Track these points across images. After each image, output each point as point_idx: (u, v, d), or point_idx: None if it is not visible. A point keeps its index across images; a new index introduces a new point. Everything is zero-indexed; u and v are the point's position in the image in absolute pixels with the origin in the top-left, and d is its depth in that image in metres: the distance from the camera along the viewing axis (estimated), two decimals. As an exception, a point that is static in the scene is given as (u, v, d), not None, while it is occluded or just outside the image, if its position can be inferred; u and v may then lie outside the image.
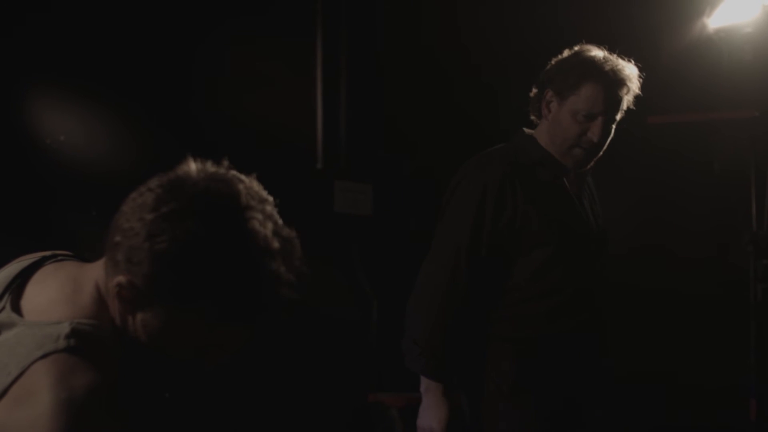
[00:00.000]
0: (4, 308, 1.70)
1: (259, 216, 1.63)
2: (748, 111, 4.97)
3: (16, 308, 1.70)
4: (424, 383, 3.47)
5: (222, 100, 4.49)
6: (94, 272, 1.73)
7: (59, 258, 1.83)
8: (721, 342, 5.02)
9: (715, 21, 4.89)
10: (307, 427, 4.66)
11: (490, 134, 3.68)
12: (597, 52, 3.45)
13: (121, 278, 1.62)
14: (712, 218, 5.15)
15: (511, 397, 3.46)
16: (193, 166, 1.66)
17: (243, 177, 1.68)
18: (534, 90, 3.54)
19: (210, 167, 1.67)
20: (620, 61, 3.43)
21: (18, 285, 1.75)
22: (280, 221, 1.67)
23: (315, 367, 3.72)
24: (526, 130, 3.59)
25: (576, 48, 3.50)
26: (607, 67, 3.39)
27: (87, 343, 1.61)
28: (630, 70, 3.42)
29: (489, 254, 3.42)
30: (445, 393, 3.44)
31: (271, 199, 1.68)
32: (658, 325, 5.13)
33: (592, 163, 3.53)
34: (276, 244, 1.63)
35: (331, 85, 5.17)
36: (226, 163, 1.70)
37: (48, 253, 1.84)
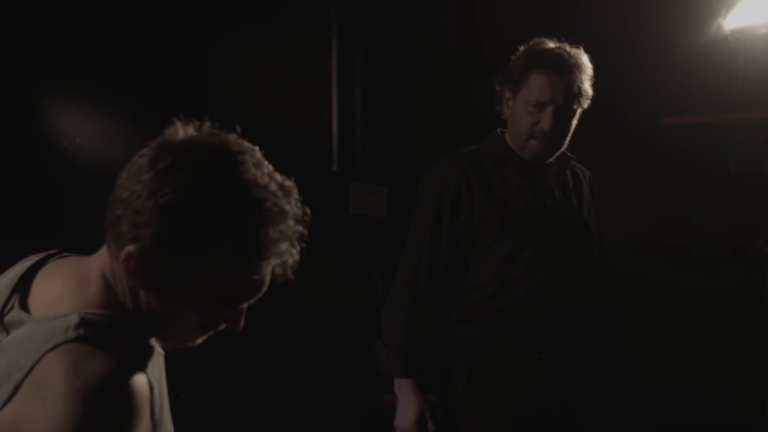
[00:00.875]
0: (12, 308, 1.71)
1: (253, 159, 1.67)
2: (764, 112, 4.96)
3: (24, 307, 1.71)
4: (396, 383, 3.53)
5: (237, 102, 4.49)
6: (97, 262, 1.73)
7: (62, 255, 1.84)
8: (736, 341, 5.00)
9: (730, 22, 4.88)
10: (322, 430, 4.66)
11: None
12: (546, 44, 3.48)
13: (129, 248, 1.61)
14: (729, 218, 5.12)
15: (463, 403, 3.49)
16: (178, 127, 1.70)
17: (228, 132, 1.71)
18: (496, 90, 3.57)
19: (194, 127, 1.71)
20: (568, 49, 3.45)
21: (24, 284, 1.75)
22: (271, 167, 1.70)
23: (329, 368, 3.72)
24: (499, 130, 3.62)
25: (529, 43, 3.52)
26: (552, 56, 3.43)
27: (97, 332, 1.61)
28: (577, 58, 3.44)
29: (451, 254, 3.49)
30: (415, 389, 3.48)
31: (257, 147, 1.72)
32: (673, 322, 5.11)
33: (555, 155, 3.55)
34: (274, 182, 1.66)
35: (346, 88, 5.17)
36: (208, 123, 1.73)
37: (52, 251, 1.85)
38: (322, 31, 5.11)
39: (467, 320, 3.50)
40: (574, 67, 3.42)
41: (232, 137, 1.71)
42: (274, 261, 1.68)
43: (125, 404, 1.54)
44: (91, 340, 1.59)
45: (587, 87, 3.47)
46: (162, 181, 1.61)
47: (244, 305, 1.76)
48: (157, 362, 1.75)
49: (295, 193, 1.71)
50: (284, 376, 4.72)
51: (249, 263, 1.67)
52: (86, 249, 1.81)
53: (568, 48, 3.47)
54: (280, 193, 1.67)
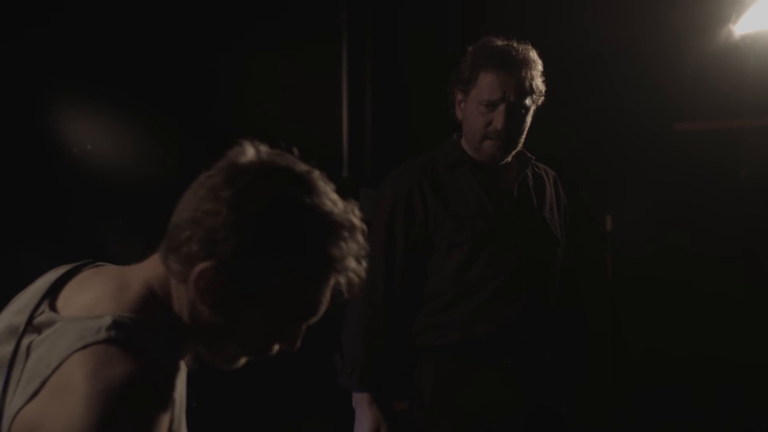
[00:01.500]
0: (43, 312, 1.71)
1: (321, 178, 1.73)
2: (774, 118, 4.96)
3: (56, 310, 1.72)
4: (353, 397, 3.48)
5: (247, 108, 4.50)
6: (143, 272, 1.75)
7: (96, 264, 1.85)
8: (748, 341, 5.00)
9: (741, 27, 4.87)
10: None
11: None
12: (493, 42, 3.42)
13: (204, 264, 1.63)
14: (740, 223, 5.12)
15: (431, 416, 3.44)
16: (246, 147, 1.73)
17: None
18: (447, 95, 3.54)
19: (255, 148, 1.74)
20: (515, 46, 3.39)
21: (56, 291, 1.77)
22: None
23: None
24: (455, 135, 3.58)
25: (477, 42, 3.48)
26: (499, 54, 3.36)
27: (128, 335, 1.61)
28: (525, 54, 3.38)
29: (407, 263, 3.44)
30: (372, 403, 3.44)
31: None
32: (686, 323, 5.11)
33: (512, 155, 3.50)
34: (341, 201, 1.73)
35: (356, 93, 5.17)
36: (266, 145, 1.77)
37: (85, 261, 1.86)
38: (333, 35, 5.11)
39: (429, 330, 3.44)
40: (523, 63, 3.36)
41: (294, 157, 1.75)
42: (342, 277, 1.72)
43: (145, 410, 1.55)
44: (121, 343, 1.59)
45: (539, 83, 3.42)
46: (244, 197, 1.64)
47: (306, 324, 1.78)
48: (181, 376, 1.75)
49: (357, 212, 1.75)
50: (293, 382, 4.71)
51: (323, 278, 1.70)
52: (98, 254, 1.82)
53: (515, 44, 3.40)
54: (349, 211, 1.72)
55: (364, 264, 1.74)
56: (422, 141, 3.65)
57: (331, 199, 1.70)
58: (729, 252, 5.09)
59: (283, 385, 4.70)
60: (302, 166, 1.72)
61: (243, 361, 1.82)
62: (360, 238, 1.72)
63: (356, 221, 1.72)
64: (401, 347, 3.48)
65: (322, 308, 1.75)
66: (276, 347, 1.79)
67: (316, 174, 1.72)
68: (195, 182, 1.71)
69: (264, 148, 1.74)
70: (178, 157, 4.17)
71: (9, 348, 1.70)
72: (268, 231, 1.64)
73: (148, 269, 1.74)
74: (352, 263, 1.71)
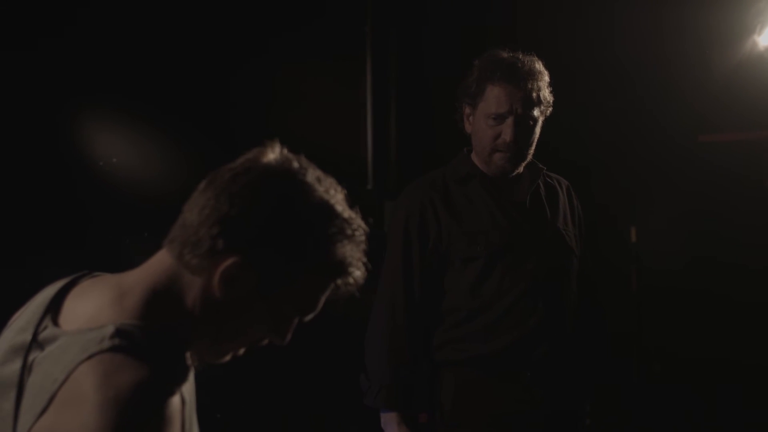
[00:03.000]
0: (47, 327, 1.72)
1: (333, 184, 1.79)
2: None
3: (58, 325, 1.73)
4: (382, 417, 3.46)
5: (272, 121, 4.52)
6: (142, 276, 1.76)
7: (94, 274, 1.86)
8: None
9: (765, 39, 4.86)
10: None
11: (539, 152, 3.68)
12: (499, 55, 3.41)
13: (234, 259, 1.68)
14: (764, 233, 5.11)
15: (449, 428, 3.43)
16: (264, 149, 1.78)
17: None
18: (456, 109, 3.53)
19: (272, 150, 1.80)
20: (521, 58, 3.37)
21: (57, 304, 1.77)
22: None
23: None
24: (466, 149, 3.57)
25: (482, 55, 3.47)
26: (506, 66, 3.35)
27: (132, 342, 1.62)
28: (531, 65, 3.36)
29: (425, 279, 3.43)
30: (401, 423, 3.42)
31: None
32: (709, 334, 5.10)
33: (522, 166, 3.49)
34: (350, 208, 1.79)
35: (380, 106, 5.18)
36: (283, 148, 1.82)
37: (81, 272, 1.87)
38: (357, 51, 5.13)
39: (448, 344, 3.43)
40: (529, 75, 3.35)
41: (309, 162, 1.80)
42: (347, 278, 1.78)
43: (157, 415, 1.55)
44: (126, 350, 1.60)
45: (546, 93, 3.41)
46: (271, 197, 1.70)
47: (303, 319, 1.82)
48: (189, 377, 1.76)
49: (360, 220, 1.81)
50: (316, 396, 4.73)
51: (333, 279, 1.76)
52: (123, 267, 1.83)
53: (521, 56, 3.39)
54: (358, 217, 1.79)
55: (367, 267, 1.80)
56: (446, 153, 3.65)
57: (343, 203, 1.77)
58: (754, 262, 5.07)
59: (308, 404, 4.71)
60: (317, 171, 1.78)
61: (230, 356, 1.85)
62: (364, 245, 1.78)
63: (364, 226, 1.79)
64: (423, 362, 3.48)
65: (320, 305, 1.80)
66: (266, 340, 1.84)
67: (331, 179, 1.78)
68: (211, 179, 1.76)
69: (282, 150, 1.79)
70: (204, 170, 4.18)
71: (15, 367, 1.70)
72: (295, 233, 1.70)
73: (150, 271, 1.76)
74: (359, 265, 1.78)
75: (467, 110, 3.48)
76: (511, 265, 3.40)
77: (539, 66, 3.40)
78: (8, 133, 3.89)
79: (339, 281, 1.77)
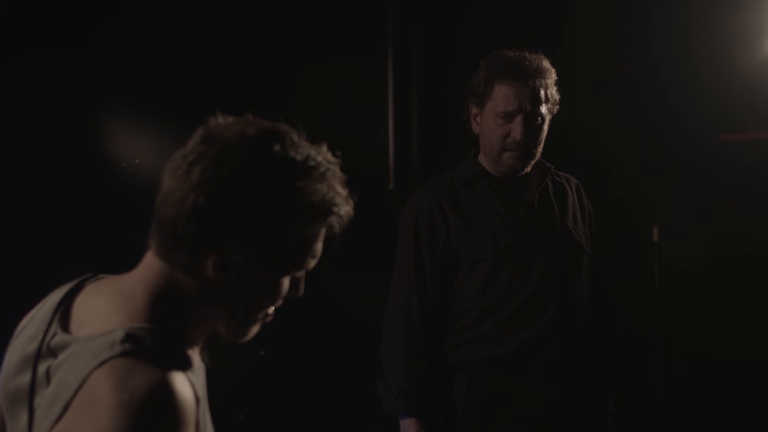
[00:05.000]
0: (56, 333, 1.73)
1: (298, 133, 1.80)
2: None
3: (68, 330, 1.74)
4: (401, 424, 3.46)
5: (295, 122, 4.51)
6: (141, 278, 1.77)
7: (98, 277, 1.87)
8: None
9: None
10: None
11: (559, 154, 3.67)
12: (505, 53, 3.41)
13: (216, 254, 1.69)
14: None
15: (462, 429, 3.43)
16: (217, 123, 1.81)
17: None
18: (463, 109, 3.53)
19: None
20: (527, 56, 3.37)
21: (64, 310, 1.78)
22: None
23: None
24: (473, 151, 3.57)
25: (488, 54, 3.46)
26: (513, 64, 3.34)
27: (142, 346, 1.63)
28: (538, 63, 3.36)
29: (437, 282, 3.43)
30: (420, 429, 3.42)
31: None
32: (733, 333, 5.09)
33: (531, 165, 3.49)
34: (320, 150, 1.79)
35: (402, 106, 5.18)
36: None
37: (86, 275, 1.89)
38: (379, 52, 5.12)
39: (460, 346, 3.43)
40: (537, 73, 3.35)
41: (260, 119, 1.81)
42: (335, 217, 1.77)
43: (172, 416, 1.56)
44: (137, 354, 1.61)
45: (554, 91, 3.42)
46: (236, 174, 1.68)
47: (308, 268, 1.83)
48: (200, 375, 1.77)
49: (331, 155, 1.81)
50: (335, 400, 4.73)
51: (321, 222, 1.76)
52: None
53: (528, 54, 3.39)
54: (321, 152, 1.78)
55: (352, 199, 1.80)
56: (468, 152, 3.65)
57: (304, 147, 1.76)
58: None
59: (326, 408, 4.72)
60: (268, 123, 1.78)
61: (257, 328, 1.86)
62: (342, 178, 1.78)
63: (330, 158, 1.78)
64: (438, 364, 3.48)
65: (320, 248, 1.80)
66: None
67: (287, 127, 1.79)
68: (173, 165, 1.75)
69: (232, 118, 1.81)
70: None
71: (27, 377, 1.72)
72: (268, 201, 1.68)
73: (146, 272, 1.76)
74: (341, 200, 1.77)
75: (474, 110, 3.48)
76: (521, 265, 3.40)
77: (546, 64, 3.40)
78: (33, 135, 3.91)
79: (329, 223, 1.77)
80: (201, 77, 4.34)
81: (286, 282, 1.79)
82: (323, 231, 1.78)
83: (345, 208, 1.77)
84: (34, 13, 3.93)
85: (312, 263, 1.80)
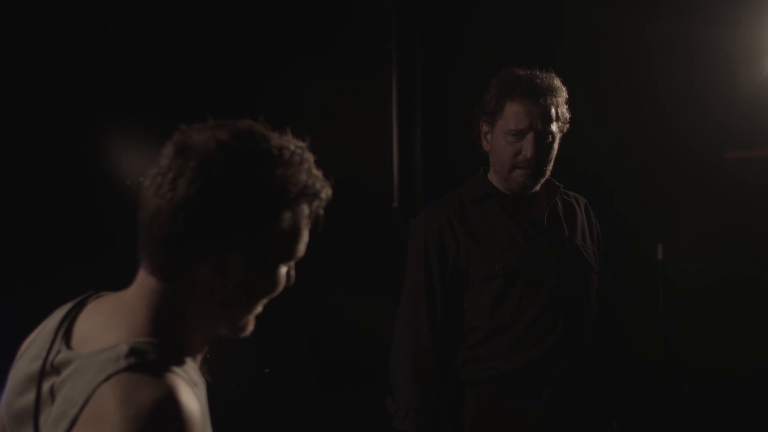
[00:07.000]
0: (60, 351, 1.74)
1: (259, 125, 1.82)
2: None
3: (71, 348, 1.75)
4: None
5: (299, 139, 4.52)
6: (140, 294, 1.77)
7: (99, 295, 1.88)
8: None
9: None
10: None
11: (565, 172, 3.67)
12: (516, 72, 3.41)
13: (209, 266, 1.71)
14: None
15: None
16: (182, 133, 1.81)
17: None
18: (473, 127, 3.53)
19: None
20: (538, 74, 3.38)
21: (67, 328, 1.79)
22: None
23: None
24: (482, 169, 3.58)
25: (499, 72, 3.47)
26: (524, 83, 3.35)
27: (147, 359, 1.63)
28: (549, 81, 3.37)
29: (446, 300, 3.42)
30: None
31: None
32: (738, 352, 5.08)
33: (541, 183, 3.49)
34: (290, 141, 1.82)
35: (406, 124, 5.19)
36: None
37: (87, 294, 1.90)
38: (383, 70, 5.13)
39: (469, 363, 3.43)
40: (548, 91, 3.36)
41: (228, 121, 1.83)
42: (316, 202, 1.81)
43: (179, 429, 1.57)
44: (142, 368, 1.62)
45: (564, 110, 3.43)
46: (214, 184, 1.68)
47: (298, 257, 1.85)
48: (202, 389, 1.78)
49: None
50: (346, 418, 4.72)
51: (309, 204, 1.79)
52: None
53: (539, 73, 3.41)
54: (288, 141, 1.81)
55: (329, 182, 1.83)
56: (472, 171, 3.65)
57: (277, 136, 1.80)
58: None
59: (332, 427, 4.71)
60: (235, 123, 1.81)
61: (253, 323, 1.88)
62: (311, 157, 1.81)
63: (299, 143, 1.82)
64: (447, 381, 3.47)
65: (308, 234, 1.83)
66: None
67: (251, 122, 1.82)
68: (154, 183, 1.76)
69: (197, 125, 1.82)
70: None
71: (32, 396, 1.73)
72: (255, 201, 1.71)
73: (143, 291, 1.77)
74: (319, 184, 1.80)
75: (485, 128, 3.49)
76: (530, 283, 3.40)
77: (557, 82, 3.41)
78: (37, 152, 3.91)
79: (313, 207, 1.80)
80: (205, 97, 4.34)
81: (282, 272, 1.82)
82: (307, 219, 1.80)
83: (326, 190, 1.81)
84: (30, 30, 3.94)
85: (303, 250, 1.83)
